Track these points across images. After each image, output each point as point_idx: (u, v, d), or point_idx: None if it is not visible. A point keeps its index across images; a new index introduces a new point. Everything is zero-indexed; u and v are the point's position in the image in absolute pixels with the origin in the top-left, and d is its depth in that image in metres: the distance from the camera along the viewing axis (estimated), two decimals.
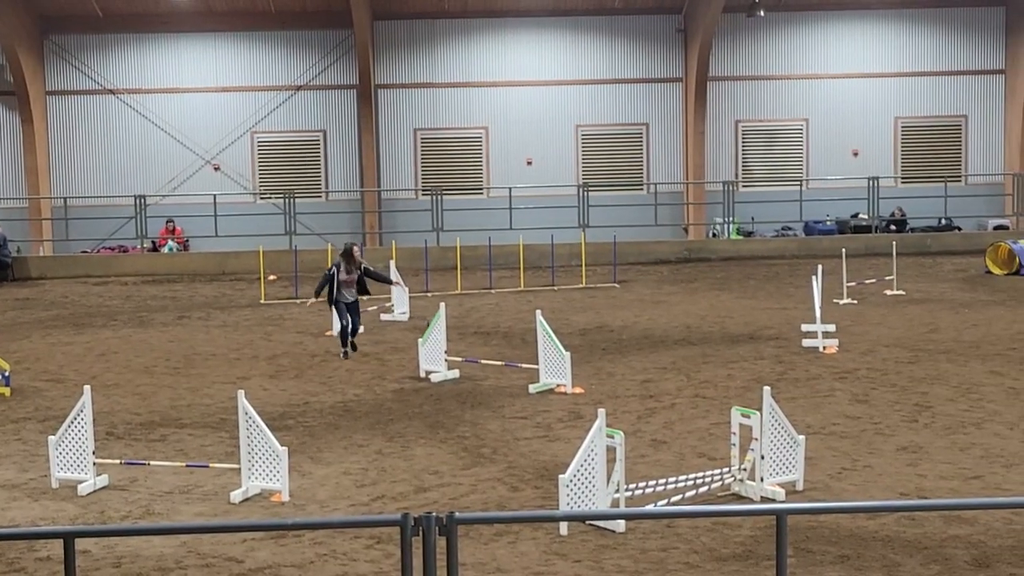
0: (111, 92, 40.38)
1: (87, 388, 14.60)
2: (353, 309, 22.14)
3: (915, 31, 41.42)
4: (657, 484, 13.42)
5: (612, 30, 41.01)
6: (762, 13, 39.52)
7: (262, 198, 40.44)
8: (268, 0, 39.76)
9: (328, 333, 24.71)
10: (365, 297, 23.03)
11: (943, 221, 40.03)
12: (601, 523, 12.43)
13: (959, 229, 39.86)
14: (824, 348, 21.73)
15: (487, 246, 33.07)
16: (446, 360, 20.40)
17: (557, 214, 37.79)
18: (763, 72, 41.34)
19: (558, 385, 19.04)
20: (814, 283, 22.56)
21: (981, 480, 13.93)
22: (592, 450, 12.29)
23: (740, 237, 39.43)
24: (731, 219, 39.13)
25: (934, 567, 11.23)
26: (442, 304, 21.26)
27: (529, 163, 40.98)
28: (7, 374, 20.10)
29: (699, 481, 13.58)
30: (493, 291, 31.11)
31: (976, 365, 20.29)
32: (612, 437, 12.47)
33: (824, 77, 41.41)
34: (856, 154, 41.37)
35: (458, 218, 37.77)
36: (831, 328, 22.24)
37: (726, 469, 13.78)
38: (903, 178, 41.61)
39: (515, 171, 40.77)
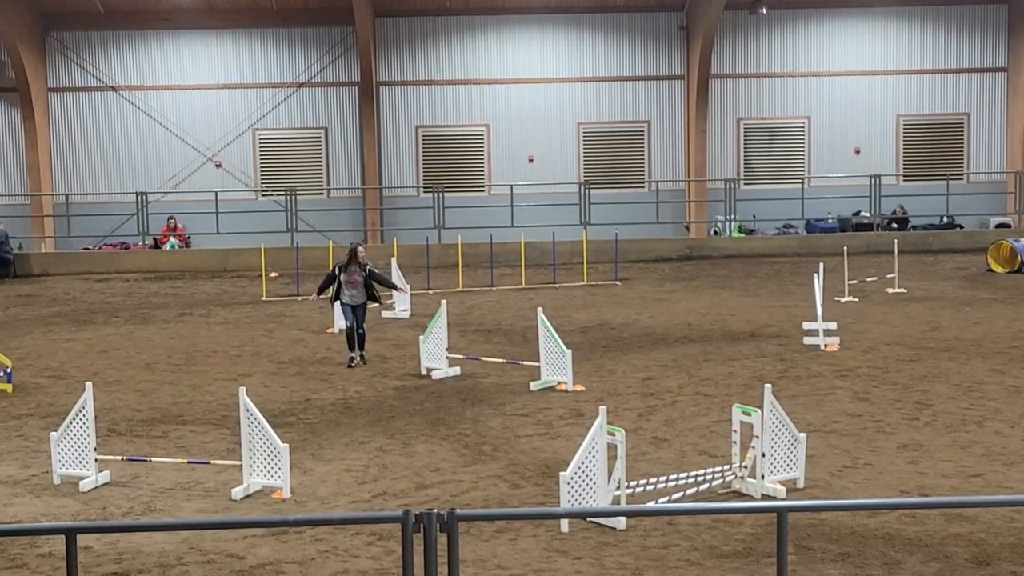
0: (113, 89, 40.39)
1: (89, 384, 14.62)
2: (360, 312, 21.35)
3: (917, 29, 41.42)
4: (658, 481, 13.43)
5: (614, 27, 41.00)
6: (764, 10, 39.52)
7: (264, 195, 40.46)
8: None
9: (329, 330, 24.73)
10: (374, 304, 22.63)
11: (945, 219, 40.03)
12: (602, 520, 12.44)
13: (961, 227, 39.86)
14: (825, 346, 21.73)
15: (488, 243, 33.07)
16: (447, 357, 20.42)
17: (558, 211, 37.78)
18: (765, 70, 41.34)
19: (559, 382, 19.05)
20: (816, 281, 22.56)
21: (982, 478, 13.94)
22: (593, 447, 12.29)
23: (742, 235, 39.43)
24: (733, 217, 39.13)
25: (935, 565, 11.24)
26: (443, 301, 21.28)
27: (531, 160, 40.98)
28: (9, 370, 20.12)
29: (700, 479, 13.59)
30: (494, 288, 31.12)
31: (977, 363, 20.30)
32: (613, 434, 12.47)
33: (826, 75, 41.40)
34: (858, 152, 41.38)
35: (459, 215, 37.79)
36: (832, 326, 22.23)
37: (727, 467, 13.79)
38: (905, 176, 41.61)
39: (516, 168, 40.77)
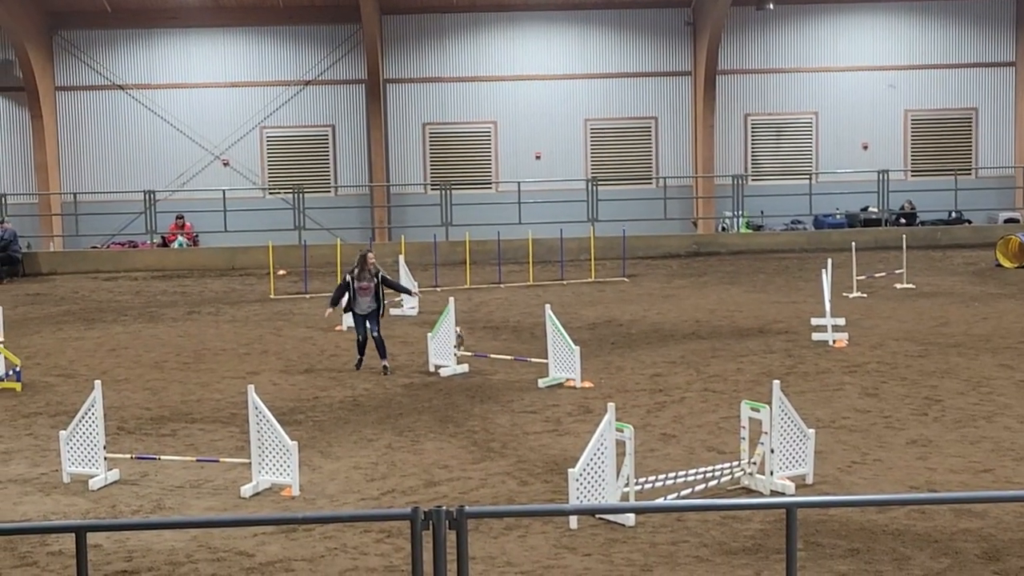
0: (120, 88, 40.43)
1: (98, 383, 14.65)
2: (372, 319, 20.63)
3: (925, 23, 41.33)
4: (667, 478, 13.44)
5: (621, 24, 40.97)
6: (771, 6, 39.47)
7: (271, 193, 40.47)
8: None
9: (338, 328, 24.74)
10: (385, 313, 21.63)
11: (953, 214, 39.95)
12: (611, 517, 12.45)
13: (969, 222, 39.79)
14: (834, 342, 21.71)
15: (496, 240, 33.06)
16: (455, 354, 20.43)
17: (566, 208, 37.75)
18: (772, 65, 41.27)
19: (567, 379, 19.05)
20: (824, 277, 22.54)
21: (991, 473, 13.93)
22: (602, 444, 12.30)
23: (749, 231, 39.39)
24: (740, 213, 39.09)
25: (944, 560, 11.23)
26: (451, 299, 21.28)
27: (538, 157, 40.96)
28: (18, 369, 20.16)
29: (709, 475, 13.60)
30: (502, 285, 31.12)
31: (986, 358, 20.27)
32: (622, 431, 12.48)
33: (834, 70, 41.33)
34: (866, 147, 41.29)
35: (467, 213, 37.78)
36: (841, 322, 22.22)
37: (736, 463, 13.79)
38: (913, 171, 41.53)
39: (524, 165, 40.75)
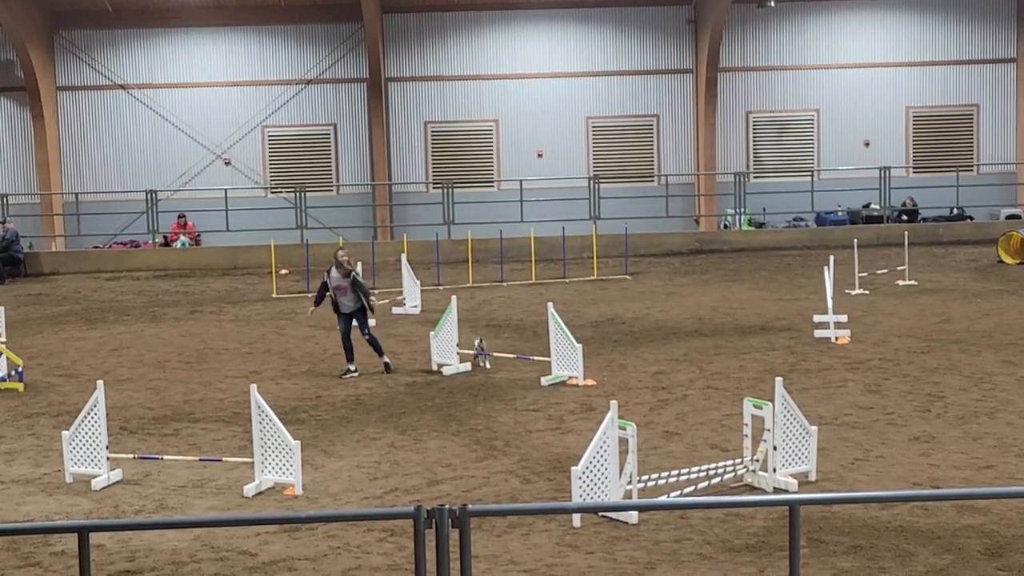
0: (122, 87, 40.43)
1: (100, 383, 14.65)
2: (359, 319, 20.26)
3: (926, 20, 41.30)
4: (670, 475, 13.43)
5: (622, 22, 40.96)
6: (772, 3, 39.45)
7: (273, 192, 40.47)
8: None
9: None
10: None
11: (955, 211, 39.93)
12: (614, 515, 12.44)
13: (971, 219, 39.75)
14: (836, 339, 21.71)
15: (498, 239, 33.06)
16: (458, 353, 20.43)
17: (568, 206, 37.75)
18: (774, 63, 41.25)
19: (570, 377, 19.05)
20: (826, 274, 22.53)
21: (994, 470, 13.92)
22: (604, 442, 12.30)
23: (752, 228, 39.38)
24: (742, 210, 39.08)
25: (947, 557, 11.22)
26: (454, 297, 21.28)
27: (540, 155, 40.96)
28: (20, 369, 20.16)
29: (712, 472, 13.59)
30: (504, 284, 31.12)
31: (989, 355, 20.26)
32: (624, 429, 12.48)
33: (835, 67, 41.30)
34: (867, 144, 41.28)
35: (469, 211, 37.76)
36: (843, 319, 22.22)
37: (739, 460, 13.79)
38: (915, 168, 41.50)
39: (526, 164, 40.74)
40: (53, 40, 40.34)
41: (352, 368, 20.24)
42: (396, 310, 26.82)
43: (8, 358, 20.23)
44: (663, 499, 12.72)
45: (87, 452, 14.45)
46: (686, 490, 13.21)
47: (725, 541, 11.83)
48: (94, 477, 14.36)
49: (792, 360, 20.28)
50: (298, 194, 38.47)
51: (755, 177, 41.03)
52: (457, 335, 20.50)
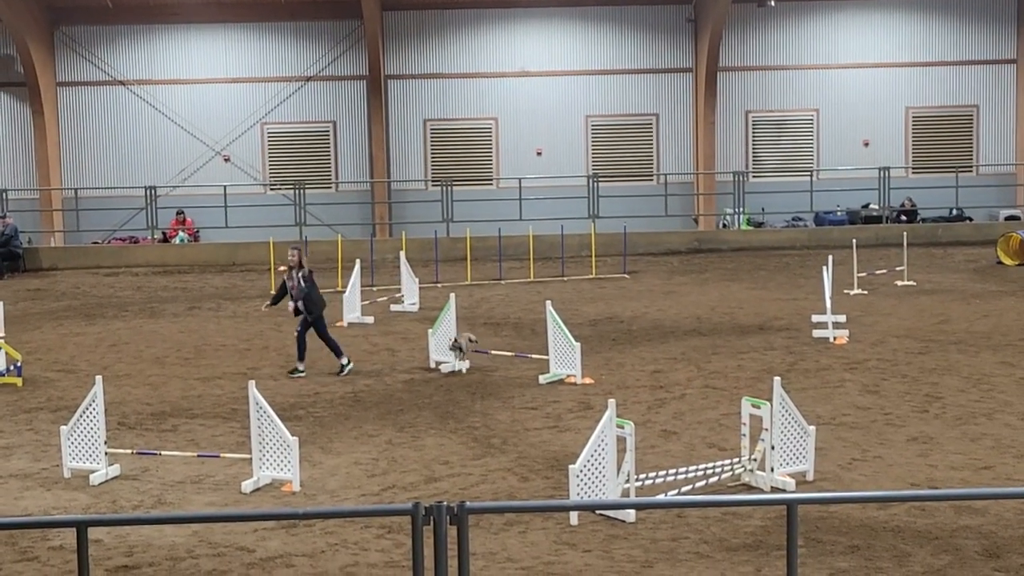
0: (121, 83, 40.42)
1: (99, 378, 14.66)
2: (317, 322, 20.10)
3: (926, 20, 41.30)
4: (667, 474, 13.44)
5: (622, 20, 40.95)
6: (772, 3, 39.45)
7: (272, 189, 40.46)
8: None
9: (339, 324, 24.75)
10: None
11: (954, 211, 39.94)
12: (611, 513, 12.45)
13: (970, 219, 39.76)
14: (834, 339, 21.72)
15: (497, 237, 33.05)
16: (457, 357, 20.41)
17: (567, 205, 37.74)
18: (773, 62, 41.25)
19: (568, 375, 19.06)
20: (825, 274, 22.53)
21: (992, 471, 13.94)
22: (602, 440, 12.31)
23: (750, 228, 39.38)
24: (741, 210, 39.08)
25: (944, 557, 11.23)
26: (452, 295, 21.30)
27: (539, 154, 40.95)
28: (19, 364, 20.17)
29: (709, 471, 13.61)
30: (503, 282, 31.12)
31: (987, 356, 20.27)
32: (622, 427, 12.48)
33: (835, 67, 41.30)
34: (867, 144, 41.28)
35: (468, 209, 37.77)
36: (841, 319, 22.23)
37: (736, 459, 13.80)
38: (914, 168, 41.50)
39: (525, 162, 40.74)
40: (53, 36, 40.33)
41: (301, 368, 20.12)
42: (394, 307, 26.82)
43: (7, 353, 20.24)
44: (661, 498, 12.73)
45: (85, 447, 14.46)
46: (684, 489, 13.23)
47: (722, 540, 11.84)
48: (92, 472, 14.38)
49: (790, 360, 20.29)
50: (297, 191, 38.47)
51: (754, 176, 41.04)
52: (455, 333, 20.50)
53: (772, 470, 13.45)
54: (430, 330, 20.68)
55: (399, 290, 27.62)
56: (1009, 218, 39.47)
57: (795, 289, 28.62)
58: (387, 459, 15.05)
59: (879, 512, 12.36)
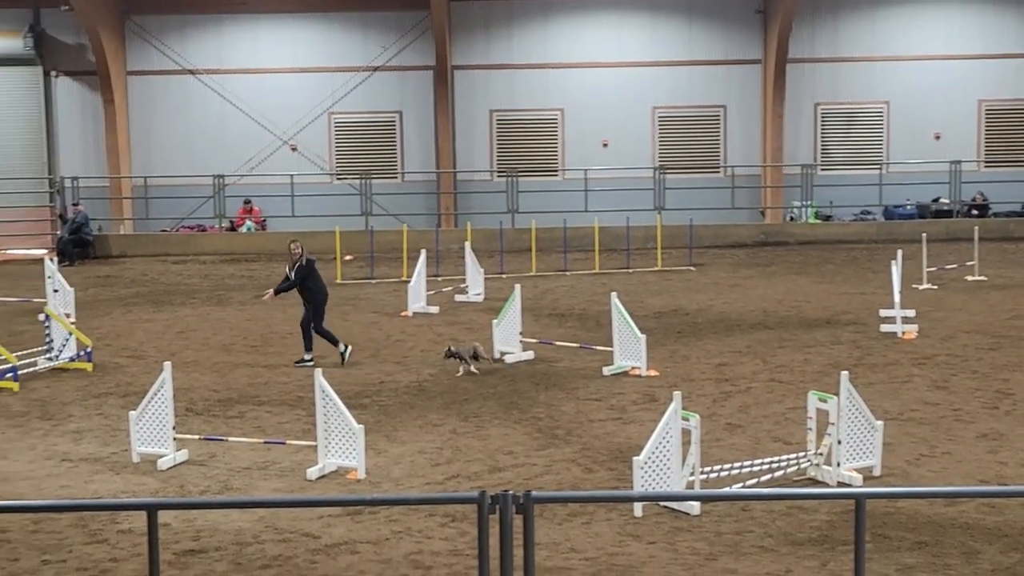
0: (191, 72, 40.74)
1: (167, 364, 14.81)
2: (314, 312, 20.56)
3: (1000, 11, 40.70)
4: (732, 467, 13.38)
5: (690, 11, 40.72)
6: None
7: (338, 179, 40.63)
8: None
9: (404, 313, 24.84)
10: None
11: None
12: (676, 505, 12.41)
13: None
14: (903, 333, 21.51)
15: (562, 228, 33.00)
16: (521, 341, 20.44)
17: (633, 196, 37.60)
18: (843, 54, 40.85)
19: (633, 367, 19.01)
20: (893, 268, 22.32)
21: None
22: (667, 432, 12.26)
23: (818, 221, 39.08)
24: (809, 203, 38.78)
25: (1015, 555, 11.10)
26: (517, 286, 21.30)
27: (605, 145, 40.82)
28: (89, 350, 20.42)
29: (775, 465, 13.52)
30: (568, 273, 31.08)
31: None
32: (687, 420, 12.44)
33: (906, 59, 40.84)
34: (938, 137, 40.80)
35: (533, 200, 37.73)
36: (910, 313, 22.01)
37: (802, 454, 13.71)
38: (986, 162, 40.98)
39: (591, 153, 40.61)
40: (124, 25, 40.70)
41: (308, 358, 20.28)
42: (459, 298, 26.87)
43: (77, 339, 20.49)
44: (726, 490, 12.67)
45: (154, 432, 14.62)
46: (749, 482, 13.15)
47: (787, 534, 11.77)
48: (160, 457, 14.52)
49: (858, 354, 20.12)
50: (363, 181, 38.61)
51: (822, 169, 40.69)
52: (520, 323, 20.52)
53: (838, 465, 13.35)
54: (495, 320, 20.70)
55: (464, 280, 27.65)
56: None
57: (863, 283, 28.37)
58: (451, 448, 15.09)
59: (947, 509, 12.24)
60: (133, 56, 40.86)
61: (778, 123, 40.13)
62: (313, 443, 14.37)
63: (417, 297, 25.33)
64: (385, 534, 11.92)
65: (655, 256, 32.63)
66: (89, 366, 20.07)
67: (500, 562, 7.53)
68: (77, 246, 35.80)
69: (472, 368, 19.18)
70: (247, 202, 39.39)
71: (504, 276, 29.88)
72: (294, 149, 40.73)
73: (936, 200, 39.45)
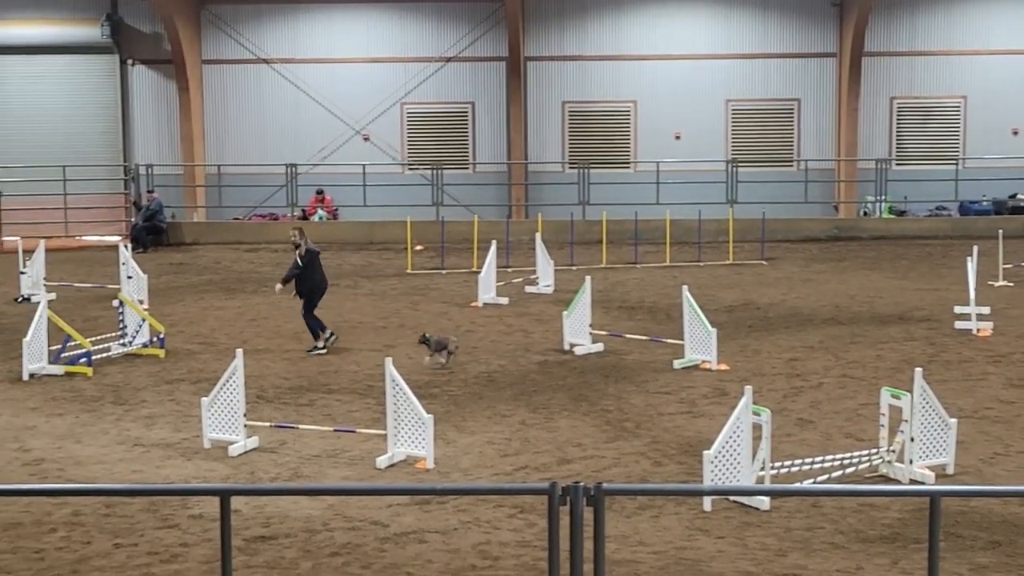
0: (265, 62, 41.00)
1: (239, 352, 14.92)
2: (311, 298, 20.89)
3: None
4: (803, 463, 13.28)
5: (765, 3, 40.41)
6: None
7: (410, 169, 40.74)
8: None
9: (473, 304, 24.87)
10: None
11: None
12: (745, 500, 12.33)
13: None
14: (978, 331, 21.24)
15: (633, 220, 32.89)
16: (591, 333, 20.40)
17: (705, 189, 37.40)
18: (920, 48, 40.37)
19: (703, 361, 18.92)
20: (969, 264, 22.04)
21: None
22: (738, 426, 12.19)
23: (892, 216, 38.67)
24: (883, 197, 38.38)
25: None
26: (587, 277, 21.25)
27: (678, 137, 40.64)
28: (162, 336, 20.63)
29: (846, 461, 13.41)
30: (638, 266, 30.98)
31: None
32: (758, 414, 12.36)
33: (984, 53, 40.28)
34: (1016, 133, 40.21)
35: (605, 192, 37.62)
36: (985, 311, 21.72)
37: (874, 450, 13.57)
38: None
39: (663, 145, 40.43)
40: (200, 14, 41.04)
41: (320, 345, 20.57)
42: (529, 289, 26.86)
43: (150, 325, 20.70)
44: (797, 486, 12.57)
45: (225, 419, 14.74)
46: (819, 478, 13.05)
47: (858, 531, 11.66)
48: (231, 444, 14.64)
49: (931, 351, 19.90)
50: (435, 171, 38.69)
51: (897, 164, 40.26)
52: (590, 315, 20.48)
53: (911, 462, 13.20)
54: (565, 312, 20.67)
55: (534, 272, 27.64)
56: None
57: (937, 279, 28.04)
58: (520, 439, 15.09)
59: (1022, 508, 12.07)
60: (208, 45, 41.19)
61: (853, 117, 39.74)
62: (383, 432, 14.43)
63: (487, 288, 25.35)
64: (453, 524, 11.94)
65: (727, 250, 32.44)
66: (162, 352, 20.28)
67: (570, 554, 7.51)
68: (151, 233, 36.18)
69: (440, 359, 19.16)
70: (319, 191, 39.61)
71: (574, 268, 29.84)
72: (366, 139, 40.89)
73: (1013, 196, 38.90)
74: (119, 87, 41.07)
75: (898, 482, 13.15)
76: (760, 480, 12.31)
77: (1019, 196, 38.72)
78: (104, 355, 19.93)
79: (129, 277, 24.37)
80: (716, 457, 12.11)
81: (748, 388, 12.38)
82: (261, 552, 11.33)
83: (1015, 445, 14.49)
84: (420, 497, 12.55)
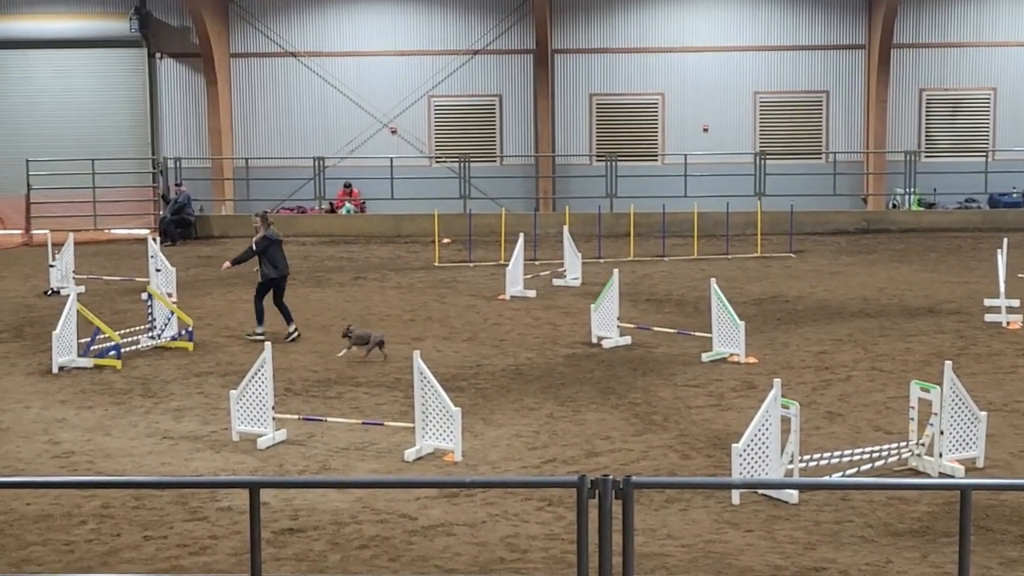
0: (292, 55, 41.07)
1: (268, 344, 14.97)
2: (275, 285, 21.40)
3: None
4: (832, 456, 13.24)
5: None
6: None
7: (438, 162, 40.75)
8: None
9: (501, 297, 24.87)
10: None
11: None
12: (774, 493, 12.30)
13: None
14: (1008, 323, 21.14)
15: (661, 213, 32.83)
16: (619, 326, 20.38)
17: (733, 182, 37.29)
18: (950, 39, 40.15)
19: (731, 354, 18.88)
20: (999, 257, 21.93)
21: None
22: (767, 420, 12.16)
23: (921, 208, 38.50)
24: (912, 190, 38.22)
25: None
26: (615, 270, 21.22)
27: (705, 130, 40.52)
28: (190, 329, 20.70)
29: (875, 455, 13.36)
30: (666, 259, 30.92)
31: None
32: (787, 407, 12.32)
33: (1014, 44, 40.02)
34: None
35: (632, 185, 37.55)
36: (1015, 303, 21.60)
37: (903, 443, 13.52)
38: None
39: (691, 138, 40.34)
40: (228, 8, 41.13)
41: (259, 331, 20.91)
42: (557, 281, 26.84)
43: (179, 318, 20.78)
44: (826, 479, 12.53)
45: (253, 412, 14.78)
46: (848, 472, 13.01)
47: (888, 525, 11.62)
48: (260, 436, 14.68)
49: (961, 344, 19.80)
50: (462, 164, 38.70)
51: (926, 156, 40.07)
52: (618, 308, 20.46)
53: (941, 455, 13.15)
54: (592, 305, 20.65)
55: (562, 264, 27.62)
56: None
57: (967, 272, 27.90)
58: (548, 432, 15.08)
59: None
60: (236, 38, 41.29)
61: (882, 109, 39.56)
62: (411, 425, 14.45)
63: (515, 281, 25.35)
64: (481, 517, 11.95)
65: (755, 242, 32.35)
66: (190, 345, 20.35)
67: (598, 547, 7.50)
68: (179, 226, 36.30)
69: (360, 353, 19.27)
70: (347, 184, 39.66)
71: (602, 261, 29.79)
72: (394, 132, 40.92)
73: None
74: (147, 81, 41.19)
75: (927, 475, 13.10)
76: (788, 473, 12.28)
77: None
78: (133, 348, 20.01)
79: (157, 270, 24.43)
80: (745, 450, 12.08)
81: (777, 381, 12.35)
82: (289, 545, 11.36)
83: None
84: (448, 490, 12.56)
